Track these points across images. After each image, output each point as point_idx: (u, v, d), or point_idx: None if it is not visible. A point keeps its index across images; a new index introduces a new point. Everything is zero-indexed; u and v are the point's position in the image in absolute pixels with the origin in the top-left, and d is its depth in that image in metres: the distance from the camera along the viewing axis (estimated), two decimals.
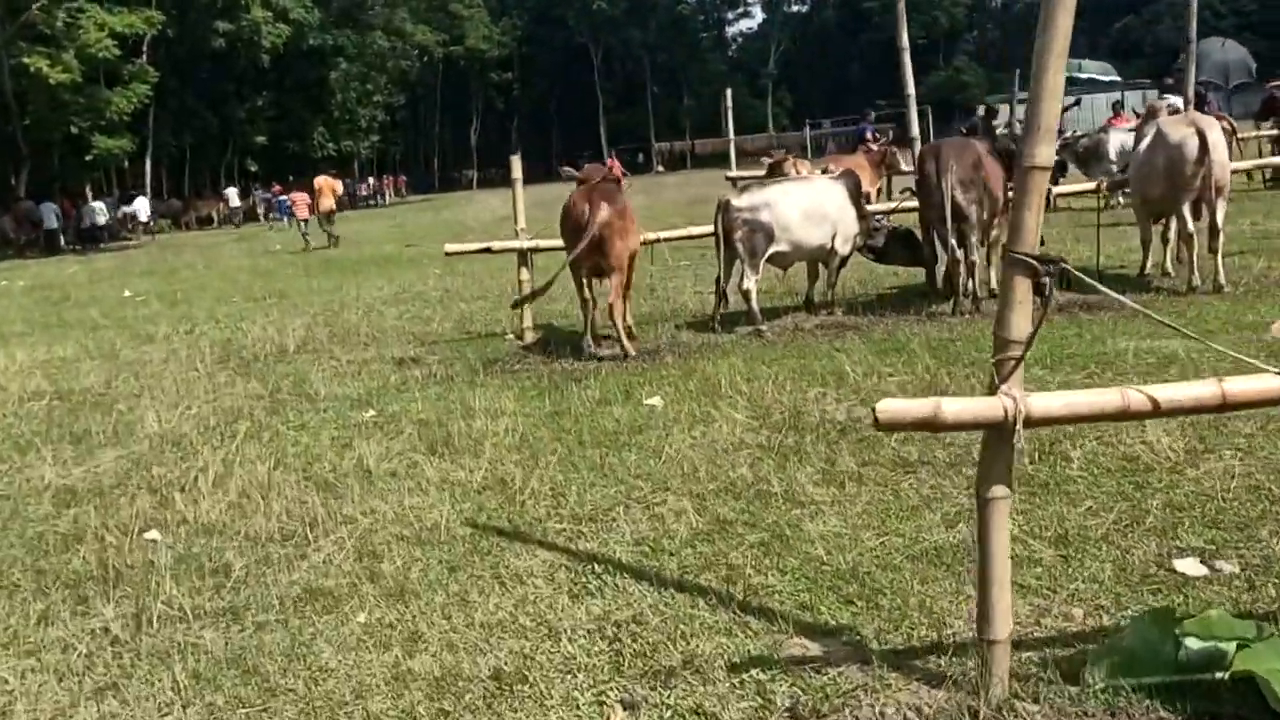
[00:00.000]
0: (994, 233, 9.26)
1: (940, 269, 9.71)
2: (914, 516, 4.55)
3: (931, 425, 2.90)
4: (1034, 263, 2.88)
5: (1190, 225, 8.69)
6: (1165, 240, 9.73)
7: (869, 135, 18.62)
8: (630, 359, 8.33)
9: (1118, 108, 19.84)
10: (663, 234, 10.07)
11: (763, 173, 17.74)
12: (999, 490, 2.97)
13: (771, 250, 8.98)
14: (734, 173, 16.81)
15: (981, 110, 18.69)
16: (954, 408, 2.88)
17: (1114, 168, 15.84)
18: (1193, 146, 8.45)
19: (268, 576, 4.57)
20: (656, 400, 6.93)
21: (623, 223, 8.34)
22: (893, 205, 10.05)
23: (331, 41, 58.62)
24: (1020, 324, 2.92)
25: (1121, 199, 14.89)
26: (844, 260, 9.54)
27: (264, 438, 6.97)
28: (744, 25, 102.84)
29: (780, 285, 11.11)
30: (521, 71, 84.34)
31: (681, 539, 4.57)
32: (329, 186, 27.75)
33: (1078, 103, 21.29)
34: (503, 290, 13.34)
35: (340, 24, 59.87)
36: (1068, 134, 17.26)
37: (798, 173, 14.92)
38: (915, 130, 10.10)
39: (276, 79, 56.07)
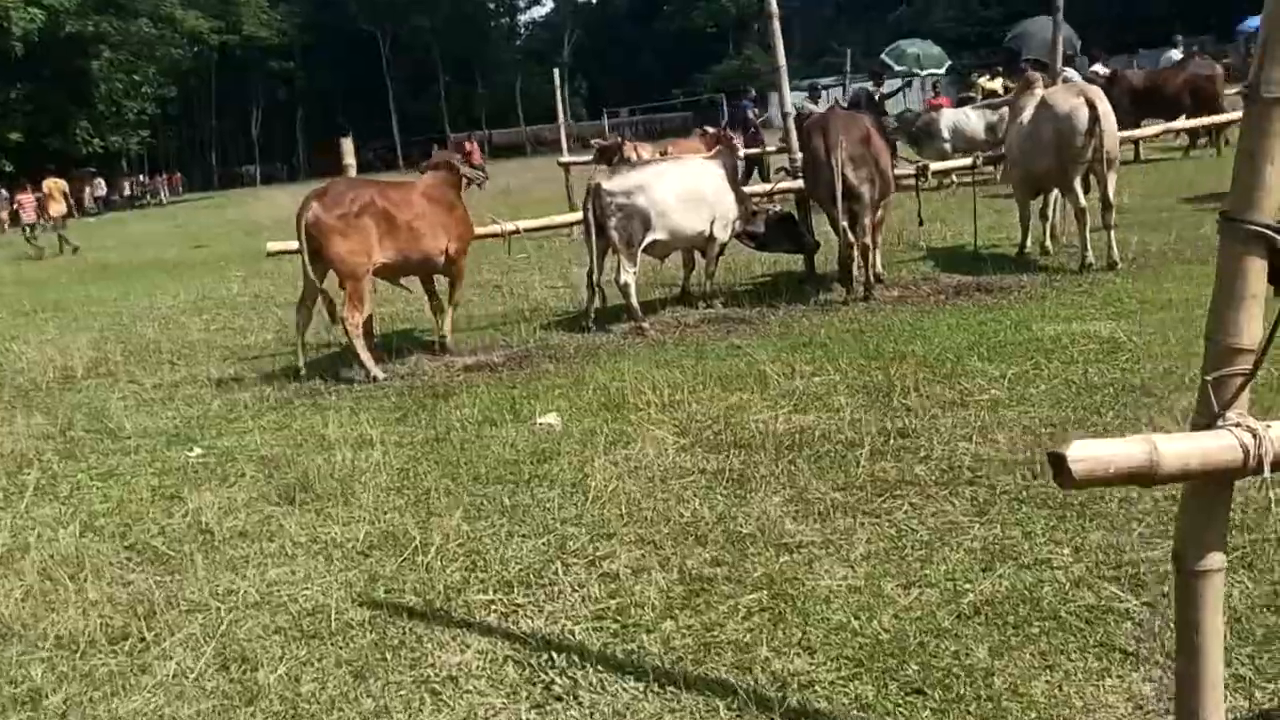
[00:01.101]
0: (879, 213, 8.62)
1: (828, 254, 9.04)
2: (934, 558, 3.71)
3: (1146, 477, 2.00)
4: (1276, 236, 2.04)
5: (1082, 199, 8.28)
6: (1045, 216, 9.36)
7: (751, 114, 17.95)
8: (375, 382, 7.23)
9: (936, 88, 19.91)
10: (522, 224, 8.98)
11: (590, 158, 16.88)
12: (1213, 559, 2.12)
13: (649, 239, 8.05)
14: (566, 158, 15.79)
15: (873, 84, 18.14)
16: (1176, 450, 2.00)
17: (947, 146, 15.71)
18: (1083, 117, 8.02)
19: (98, 707, 3.31)
20: (552, 418, 5.89)
21: (341, 224, 7.15)
22: (769, 187, 9.30)
23: (92, 28, 53.92)
24: (1249, 324, 2.08)
25: (955, 179, 14.68)
26: (723, 248, 8.71)
27: (61, 492, 5.54)
28: (536, 13, 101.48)
29: (641, 277, 10.19)
30: (304, 60, 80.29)
31: (654, 607, 3.57)
32: (58, 189, 25.36)
33: (908, 84, 21.32)
34: None
35: (101, 9, 55.15)
36: (904, 112, 17.07)
37: (638, 157, 14.10)
38: (790, 105, 9.36)
39: (31, 69, 51.13)
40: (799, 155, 9.13)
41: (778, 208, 9.15)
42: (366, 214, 7.24)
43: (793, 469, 4.68)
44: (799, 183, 8.98)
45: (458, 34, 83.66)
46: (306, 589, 4.01)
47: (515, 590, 3.84)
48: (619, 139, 16.30)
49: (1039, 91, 8.87)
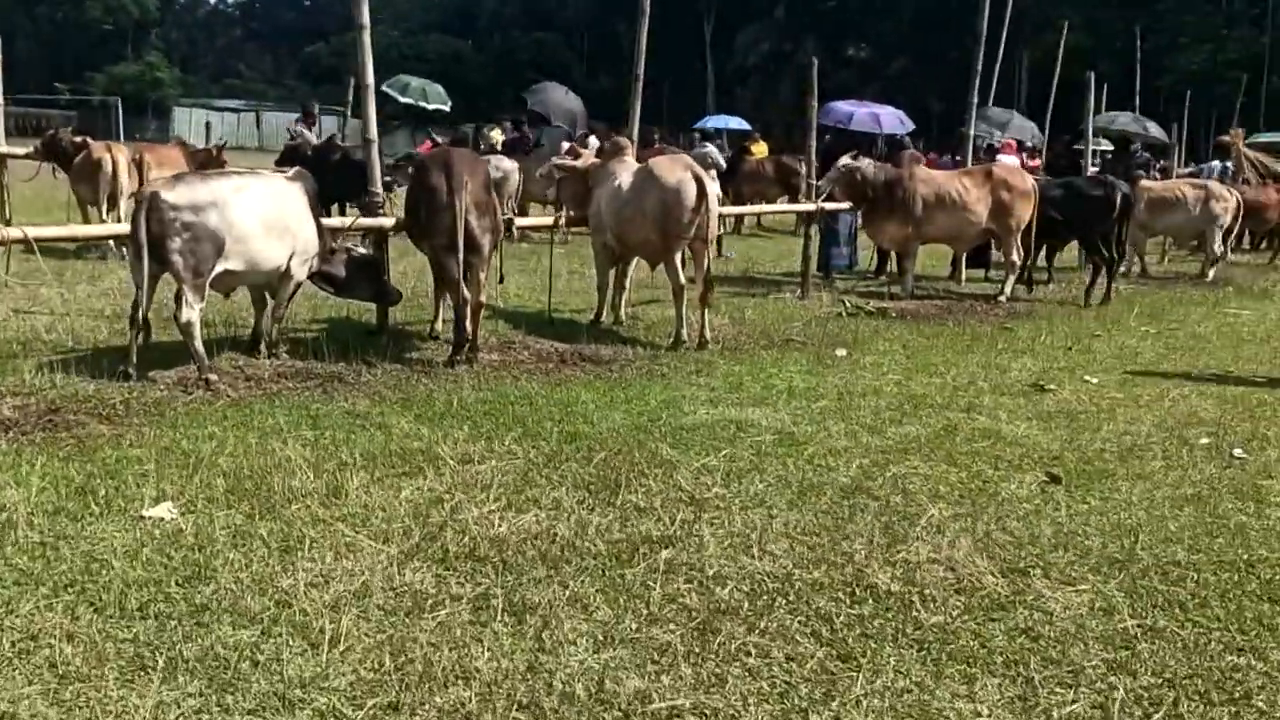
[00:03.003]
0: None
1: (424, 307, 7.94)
2: None
3: None
4: None
5: (681, 276, 8.13)
6: (622, 287, 9.13)
7: (298, 129, 15.55)
8: None
9: (432, 135, 19.31)
10: (32, 230, 6.72)
11: (25, 151, 13.91)
12: None
13: (220, 268, 6.45)
14: (3, 148, 12.70)
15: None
16: None
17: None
18: (691, 192, 7.89)
19: None
20: (166, 509, 4.28)
21: None
22: (350, 222, 7.95)
23: None
24: None
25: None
26: (298, 288, 7.29)
27: None
28: None
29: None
30: None
31: None
32: None
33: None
34: None
35: None
36: (401, 156, 16.21)
37: (113, 160, 11.83)
38: (374, 131, 8.07)
39: None
40: (380, 189, 8.02)
41: (359, 248, 7.89)
42: None
43: (574, 596, 3.71)
44: (384, 220, 7.83)
45: None
46: None
47: None
48: (74, 131, 13.55)
49: (629, 158, 8.67)
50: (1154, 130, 21.88)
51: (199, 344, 6.37)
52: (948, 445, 5.78)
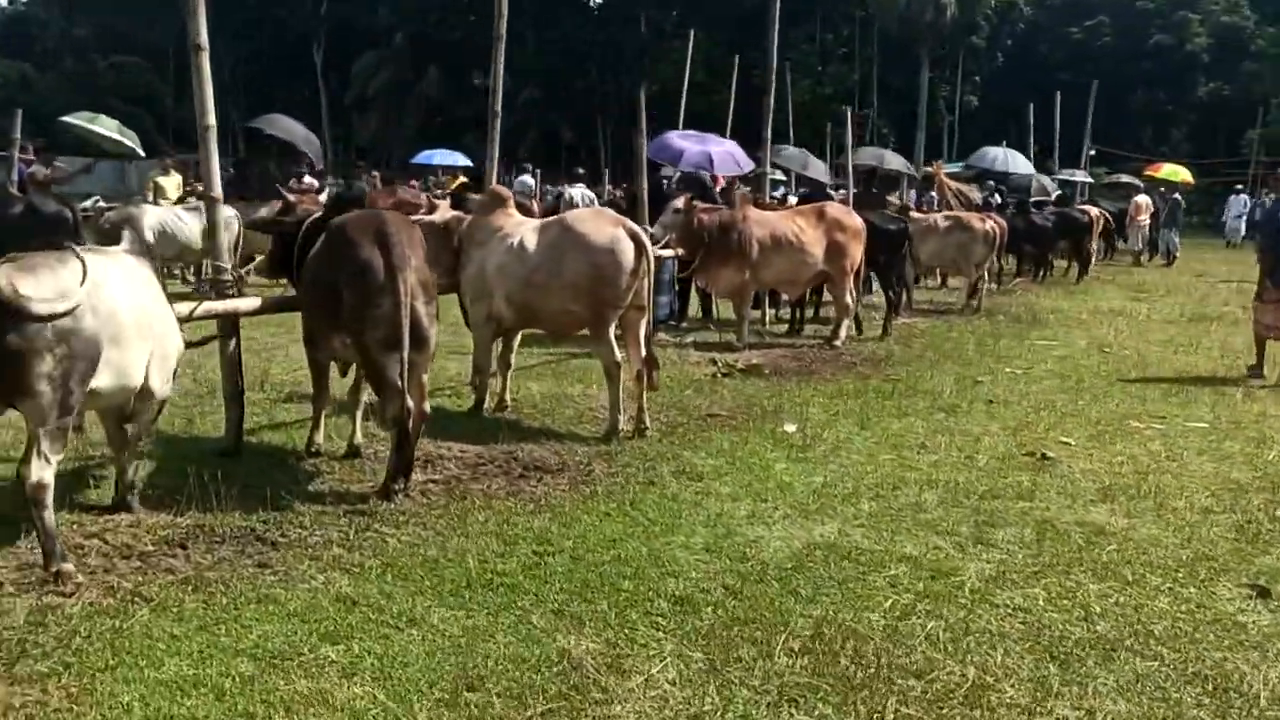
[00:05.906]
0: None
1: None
2: None
3: None
4: None
5: (616, 352, 6.69)
6: (508, 364, 7.51)
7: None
8: None
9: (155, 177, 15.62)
10: None
11: None
12: None
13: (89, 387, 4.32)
14: None
15: None
16: None
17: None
18: (629, 252, 6.50)
19: None
20: None
21: None
22: (193, 308, 5.61)
23: None
24: None
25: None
26: (162, 406, 5.13)
27: None
28: None
29: None
30: None
31: None
32: None
33: (88, 169, 16.24)
34: None
35: None
36: (89, 206, 13.10)
37: None
38: (218, 187, 5.80)
39: None
40: (226, 262, 5.97)
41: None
42: None
43: None
44: (242, 303, 5.78)
45: None
46: None
47: None
48: None
49: (513, 210, 7.14)
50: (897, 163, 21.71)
51: (50, 517, 4.20)
52: (1079, 553, 4.89)
